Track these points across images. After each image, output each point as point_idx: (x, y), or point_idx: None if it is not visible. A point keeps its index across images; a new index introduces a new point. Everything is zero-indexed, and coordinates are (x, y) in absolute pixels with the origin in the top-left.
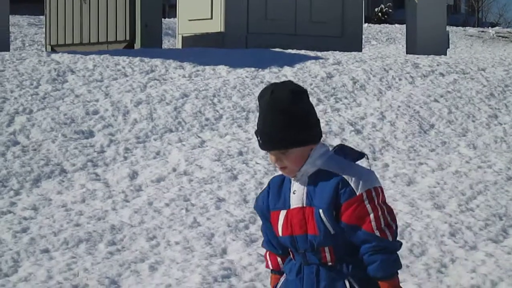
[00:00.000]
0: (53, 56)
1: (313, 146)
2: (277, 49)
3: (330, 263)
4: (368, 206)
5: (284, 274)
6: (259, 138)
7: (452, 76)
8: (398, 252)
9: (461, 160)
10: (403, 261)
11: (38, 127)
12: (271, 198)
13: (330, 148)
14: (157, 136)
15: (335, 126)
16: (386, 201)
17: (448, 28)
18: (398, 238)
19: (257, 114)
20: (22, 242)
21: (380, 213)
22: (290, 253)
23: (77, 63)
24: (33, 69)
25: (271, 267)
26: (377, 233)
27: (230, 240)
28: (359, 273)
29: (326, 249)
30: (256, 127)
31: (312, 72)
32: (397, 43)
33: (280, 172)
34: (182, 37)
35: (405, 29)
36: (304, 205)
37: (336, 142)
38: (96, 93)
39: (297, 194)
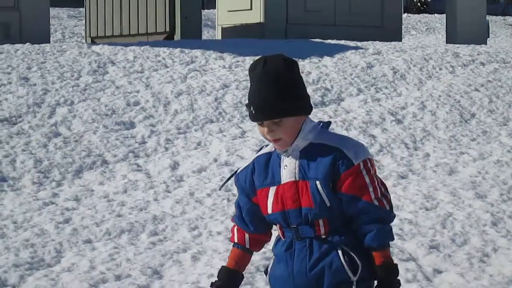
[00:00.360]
0: (94, 47)
1: (305, 118)
2: (316, 40)
3: (323, 236)
4: (366, 177)
5: (274, 256)
6: (252, 109)
7: (492, 65)
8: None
9: (502, 149)
10: (445, 250)
11: (79, 119)
12: (257, 176)
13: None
14: (198, 127)
15: (376, 116)
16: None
17: (488, 17)
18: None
19: None
20: (65, 233)
21: (376, 183)
22: (280, 231)
23: (118, 55)
24: (73, 61)
25: (236, 240)
26: (376, 202)
27: (272, 230)
28: (352, 242)
29: (320, 221)
30: (247, 100)
31: (352, 62)
32: (436, 33)
33: (264, 151)
34: (222, 28)
35: (444, 19)
36: (297, 179)
37: (377, 132)
38: (136, 84)
39: (289, 169)
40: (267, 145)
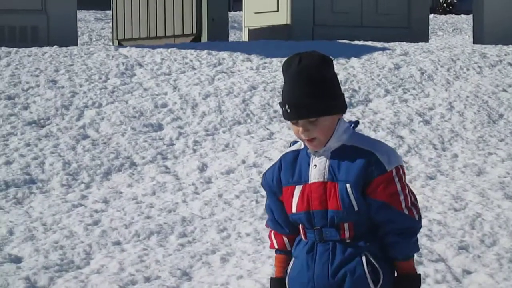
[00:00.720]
0: (121, 50)
1: (340, 117)
2: (343, 41)
3: (348, 240)
4: (398, 184)
5: (293, 257)
6: (286, 108)
7: None
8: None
9: None
10: (475, 251)
11: (107, 121)
12: (284, 174)
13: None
14: (225, 129)
15: (404, 117)
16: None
17: None
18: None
19: None
20: (94, 235)
21: (407, 191)
22: (302, 231)
23: (145, 57)
24: (101, 63)
25: (276, 247)
26: (406, 211)
27: None
28: (376, 250)
29: (346, 225)
30: (281, 99)
31: (379, 63)
32: (463, 33)
33: (292, 149)
34: (249, 30)
35: (471, 19)
36: (326, 180)
37: (405, 133)
38: (164, 86)
39: (318, 168)
40: (295, 142)
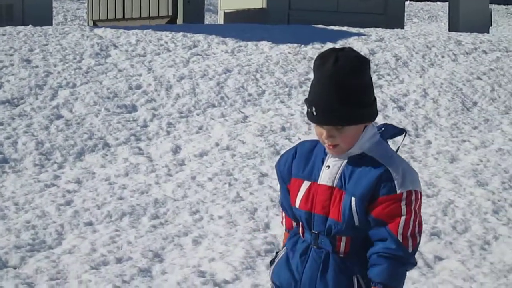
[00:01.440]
0: (96, 30)
1: (368, 124)
2: (319, 26)
3: (342, 255)
4: (403, 208)
5: (285, 248)
6: (313, 110)
7: (495, 54)
8: (407, 271)
9: (504, 138)
10: (446, 238)
11: (81, 101)
12: (296, 164)
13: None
14: (200, 111)
15: (378, 103)
16: (421, 209)
17: (490, 6)
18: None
19: (301, 89)
20: (66, 215)
21: (412, 218)
22: (301, 228)
23: (120, 38)
24: (76, 43)
25: (284, 227)
26: (400, 238)
27: (273, 214)
28: (366, 275)
29: (343, 238)
30: (308, 96)
31: (355, 49)
32: (439, 21)
33: (311, 138)
34: (224, 12)
35: (447, 7)
36: (334, 186)
37: (378, 119)
38: (139, 67)
39: (331, 171)
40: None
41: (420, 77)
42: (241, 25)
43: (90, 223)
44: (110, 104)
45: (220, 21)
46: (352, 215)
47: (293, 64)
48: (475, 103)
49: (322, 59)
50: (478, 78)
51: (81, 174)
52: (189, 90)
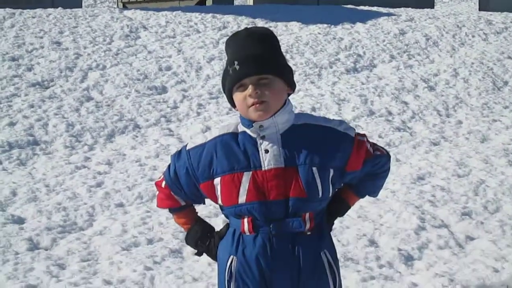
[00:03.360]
0: (126, 12)
1: (291, 93)
2: (349, 6)
3: (308, 232)
4: (364, 139)
5: (231, 257)
6: (235, 65)
7: None
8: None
9: None
10: (478, 218)
11: (111, 83)
12: (221, 160)
13: None
14: None
15: (408, 83)
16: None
17: None
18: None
19: (331, 69)
20: (97, 197)
21: (367, 139)
22: (247, 224)
23: (150, 20)
24: (105, 25)
25: (167, 206)
26: (377, 152)
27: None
28: (331, 245)
29: (307, 215)
30: (227, 63)
31: (384, 29)
32: (469, 0)
33: (223, 132)
34: None
35: None
36: (284, 165)
37: (409, 99)
38: (168, 49)
39: (272, 154)
40: (224, 126)
41: (451, 56)
42: (270, 6)
43: (121, 205)
44: (140, 86)
45: (250, 2)
46: (316, 186)
47: (323, 44)
48: (506, 83)
49: (233, 34)
50: (509, 57)
51: (111, 156)
52: (219, 71)
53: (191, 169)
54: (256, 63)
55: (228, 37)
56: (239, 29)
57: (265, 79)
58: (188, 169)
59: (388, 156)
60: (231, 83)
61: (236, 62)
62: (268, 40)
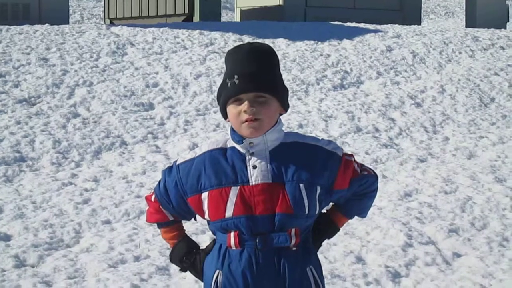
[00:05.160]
0: (113, 29)
1: (283, 113)
2: (336, 22)
3: (294, 248)
4: (351, 159)
5: (217, 271)
6: (235, 79)
7: None
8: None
9: None
10: (465, 234)
11: (98, 100)
12: (209, 175)
13: None
14: (217, 109)
15: (395, 99)
16: None
17: (507, 1)
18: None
19: (318, 86)
20: (84, 213)
21: (354, 159)
22: (234, 239)
23: (137, 36)
24: (92, 42)
25: (156, 221)
26: (365, 172)
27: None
28: (317, 262)
29: (293, 231)
30: (226, 76)
31: (371, 45)
32: (455, 16)
33: (212, 147)
34: (241, 10)
35: (464, 3)
36: (272, 181)
37: (396, 115)
38: (155, 65)
39: (260, 169)
40: (213, 141)
41: (438, 73)
42: (257, 22)
43: (107, 222)
44: (127, 102)
45: (237, 18)
46: (303, 202)
47: (310, 61)
48: (492, 99)
49: (235, 47)
50: (496, 74)
51: (98, 173)
52: (206, 87)
53: (179, 183)
54: (256, 80)
55: (230, 48)
56: (226, 46)
57: (262, 97)
58: (177, 183)
59: (375, 176)
60: (227, 96)
61: (236, 76)
62: (270, 58)
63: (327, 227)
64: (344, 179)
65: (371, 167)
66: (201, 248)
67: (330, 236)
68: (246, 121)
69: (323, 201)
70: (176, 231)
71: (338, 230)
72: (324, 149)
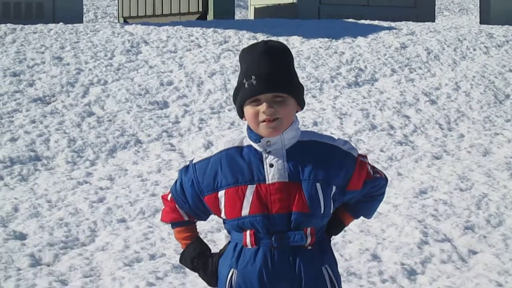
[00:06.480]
0: (127, 27)
1: (299, 110)
2: (350, 20)
3: (309, 247)
4: (365, 160)
5: (232, 270)
6: (252, 80)
7: None
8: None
9: None
10: (481, 231)
11: (113, 98)
12: (226, 173)
13: None
14: (231, 107)
15: (410, 97)
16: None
17: None
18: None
19: (333, 83)
20: (99, 212)
21: (368, 161)
22: (250, 237)
23: (151, 34)
24: (107, 40)
25: (171, 220)
26: (377, 175)
27: None
28: (333, 260)
29: (309, 230)
30: (243, 77)
31: (386, 43)
32: (469, 13)
33: (229, 146)
34: (255, 8)
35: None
36: (288, 180)
37: (411, 113)
38: (170, 64)
39: (277, 168)
40: (229, 140)
41: (452, 70)
42: (271, 20)
43: (123, 220)
44: (141, 101)
45: (251, 16)
46: (319, 201)
47: (324, 58)
48: (507, 96)
49: (250, 46)
50: (510, 70)
51: (113, 171)
52: (220, 85)
53: (196, 182)
54: (273, 81)
55: (245, 47)
56: (240, 44)
57: (279, 97)
58: (193, 182)
59: (386, 179)
60: (245, 97)
61: (253, 77)
62: (286, 57)
63: (334, 224)
64: (359, 180)
65: (383, 168)
66: (213, 252)
67: (336, 232)
68: (264, 121)
69: (336, 200)
70: (189, 232)
71: (344, 227)
72: (341, 149)
